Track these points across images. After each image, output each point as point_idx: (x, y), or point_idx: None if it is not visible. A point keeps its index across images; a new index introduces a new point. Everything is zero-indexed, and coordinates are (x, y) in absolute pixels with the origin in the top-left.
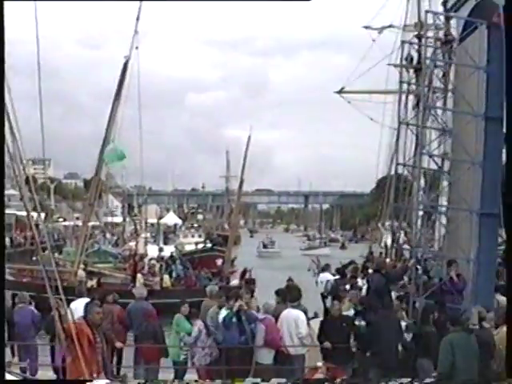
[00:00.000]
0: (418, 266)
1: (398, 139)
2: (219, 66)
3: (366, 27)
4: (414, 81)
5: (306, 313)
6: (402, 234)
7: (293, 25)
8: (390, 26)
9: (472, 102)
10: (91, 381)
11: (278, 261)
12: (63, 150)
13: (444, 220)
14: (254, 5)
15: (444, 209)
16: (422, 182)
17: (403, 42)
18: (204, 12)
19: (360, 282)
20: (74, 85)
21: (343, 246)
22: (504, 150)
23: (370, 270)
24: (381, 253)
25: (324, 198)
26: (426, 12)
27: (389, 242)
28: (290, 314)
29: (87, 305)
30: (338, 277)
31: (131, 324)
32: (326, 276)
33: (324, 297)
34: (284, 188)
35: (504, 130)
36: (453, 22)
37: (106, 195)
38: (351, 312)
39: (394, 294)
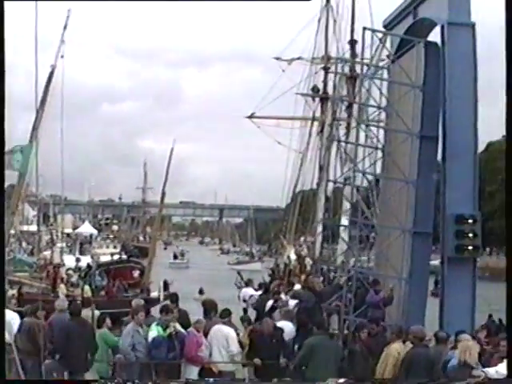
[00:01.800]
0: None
1: (328, 157)
2: (132, 75)
3: (277, 58)
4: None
5: (235, 329)
6: (305, 248)
7: (205, 37)
8: (299, 58)
9: (407, 120)
10: (91, 381)
11: (190, 272)
12: None
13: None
14: (167, 15)
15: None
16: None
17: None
18: (117, 20)
19: (284, 297)
20: None
21: (260, 260)
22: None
23: (297, 286)
24: (285, 264)
25: (239, 212)
26: (364, 29)
27: (292, 255)
28: (221, 330)
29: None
30: (260, 292)
31: (52, 337)
32: (249, 291)
33: (246, 312)
34: (199, 201)
35: (438, 150)
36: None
37: (22, 204)
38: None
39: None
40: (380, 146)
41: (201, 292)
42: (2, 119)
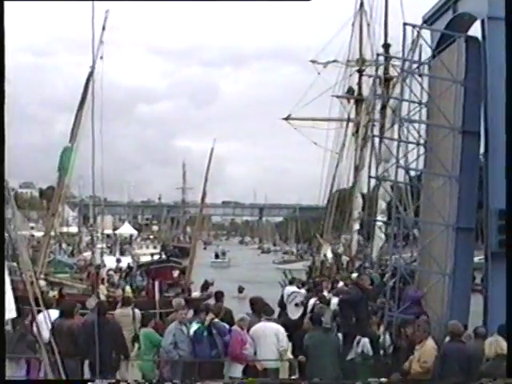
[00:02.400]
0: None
1: (371, 153)
2: (167, 75)
3: (313, 61)
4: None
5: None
6: (341, 247)
7: (241, 35)
8: (335, 61)
9: (448, 115)
10: (91, 381)
11: (231, 271)
12: (13, 159)
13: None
14: (201, 14)
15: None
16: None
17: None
18: (151, 20)
19: (327, 295)
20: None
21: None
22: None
23: (340, 284)
24: (322, 261)
25: (279, 211)
26: (405, 25)
27: (328, 253)
28: (269, 327)
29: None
30: (303, 290)
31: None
32: (292, 289)
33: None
34: (238, 200)
35: (481, 144)
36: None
37: (62, 205)
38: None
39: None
40: (422, 141)
41: (240, 290)
42: (2, 119)
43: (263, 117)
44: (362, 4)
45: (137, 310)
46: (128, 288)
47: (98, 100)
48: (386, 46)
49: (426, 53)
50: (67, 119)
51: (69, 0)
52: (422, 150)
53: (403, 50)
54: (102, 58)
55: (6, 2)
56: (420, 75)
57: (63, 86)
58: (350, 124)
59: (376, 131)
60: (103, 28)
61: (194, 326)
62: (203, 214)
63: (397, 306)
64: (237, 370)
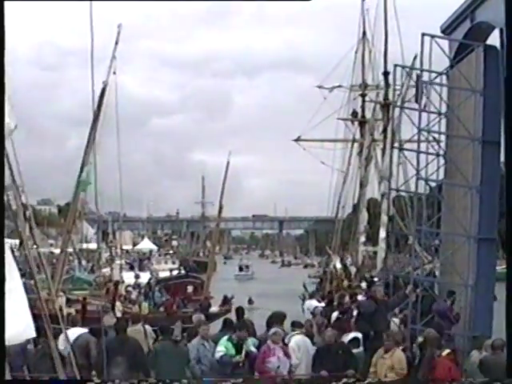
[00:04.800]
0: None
1: (390, 164)
2: (179, 87)
3: (319, 87)
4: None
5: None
6: (349, 258)
7: (252, 44)
8: (339, 86)
9: (468, 126)
10: (91, 381)
11: (253, 285)
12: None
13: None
14: (211, 25)
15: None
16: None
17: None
18: (162, 32)
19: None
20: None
21: None
22: (502, 174)
23: (360, 297)
24: (331, 272)
25: (299, 224)
26: (423, 35)
27: (337, 264)
28: (305, 341)
29: None
30: (323, 304)
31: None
32: (313, 303)
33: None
34: (257, 213)
35: (502, 154)
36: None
37: (81, 222)
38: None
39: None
40: (442, 152)
41: (250, 301)
42: (2, 119)
43: (278, 129)
44: (364, 33)
45: (148, 326)
46: (145, 304)
47: (113, 115)
48: (386, 74)
49: (445, 63)
50: (79, 134)
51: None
52: (442, 161)
53: (421, 61)
54: (115, 73)
55: (15, 20)
56: (440, 85)
57: (74, 100)
58: (355, 144)
59: (378, 151)
60: (116, 43)
61: (222, 345)
62: (223, 227)
63: (420, 318)
64: None
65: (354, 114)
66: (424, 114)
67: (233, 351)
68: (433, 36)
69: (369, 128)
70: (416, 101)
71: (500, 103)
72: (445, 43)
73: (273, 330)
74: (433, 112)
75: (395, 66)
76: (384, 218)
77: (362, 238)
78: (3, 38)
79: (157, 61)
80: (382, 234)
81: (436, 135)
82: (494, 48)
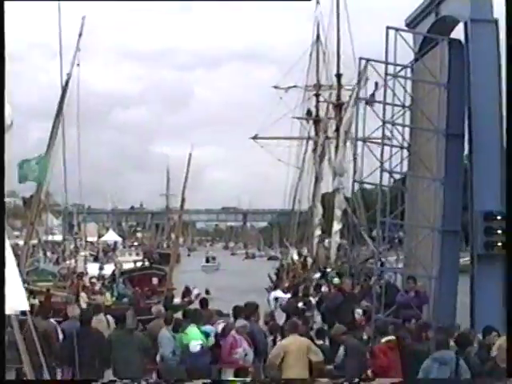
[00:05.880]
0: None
1: (355, 157)
2: (141, 79)
3: (275, 87)
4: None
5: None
6: (306, 250)
7: (212, 37)
8: (295, 86)
9: (432, 118)
10: (92, 381)
11: (219, 276)
12: None
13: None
14: (172, 17)
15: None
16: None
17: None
18: (123, 24)
19: (313, 300)
20: None
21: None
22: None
23: (323, 288)
24: (288, 263)
25: (262, 216)
26: (387, 28)
27: (294, 256)
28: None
29: None
30: (289, 295)
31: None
32: (278, 294)
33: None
34: (221, 206)
35: (465, 147)
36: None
37: (46, 214)
38: None
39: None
40: (406, 144)
41: (207, 293)
42: (3, 118)
43: (238, 123)
44: (318, 36)
45: (109, 317)
46: (108, 295)
47: (75, 107)
48: (338, 76)
49: (409, 56)
50: (41, 127)
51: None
52: (405, 153)
53: (386, 54)
54: (78, 64)
55: None
56: (404, 78)
57: (35, 92)
58: (310, 142)
59: (332, 148)
60: (80, 35)
61: (196, 338)
62: (187, 220)
63: (383, 309)
64: (228, 374)
65: (309, 113)
66: (388, 107)
67: (208, 343)
68: (397, 29)
69: (322, 126)
70: (372, 95)
71: (464, 96)
72: (409, 37)
73: (241, 323)
74: (397, 105)
75: (360, 59)
76: (337, 212)
77: (318, 231)
78: (3, 38)
79: (118, 53)
80: (336, 227)
81: (400, 128)
82: (458, 42)
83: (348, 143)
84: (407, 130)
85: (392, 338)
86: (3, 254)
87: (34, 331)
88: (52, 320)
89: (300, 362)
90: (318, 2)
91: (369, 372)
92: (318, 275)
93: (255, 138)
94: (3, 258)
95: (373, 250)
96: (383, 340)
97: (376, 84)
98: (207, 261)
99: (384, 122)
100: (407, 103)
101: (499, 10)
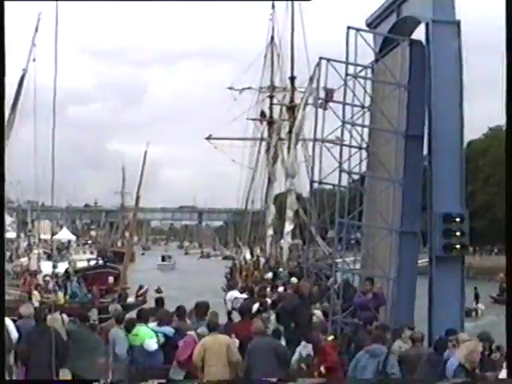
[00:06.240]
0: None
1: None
2: (97, 76)
3: (230, 88)
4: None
5: None
6: (258, 249)
7: (169, 34)
8: (249, 88)
9: (392, 119)
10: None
11: (175, 276)
12: None
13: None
14: (131, 14)
15: None
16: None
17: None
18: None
19: (269, 301)
20: None
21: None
22: (425, 168)
23: (280, 289)
24: (240, 263)
25: (218, 215)
26: (348, 28)
27: (247, 255)
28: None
29: None
30: (245, 295)
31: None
32: (234, 294)
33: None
34: (176, 205)
35: (424, 148)
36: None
37: None
38: None
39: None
40: (364, 145)
41: (158, 291)
42: (2, 117)
43: (194, 121)
44: (272, 37)
45: (64, 315)
46: (60, 294)
47: (30, 103)
48: (292, 78)
49: (370, 57)
50: None
51: None
52: (364, 154)
53: (347, 54)
54: (34, 60)
55: None
56: (364, 78)
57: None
58: (263, 143)
59: (285, 150)
60: (36, 30)
61: (151, 337)
62: (141, 218)
63: (341, 310)
64: (179, 375)
65: (263, 114)
66: (348, 108)
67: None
68: (358, 29)
69: (276, 128)
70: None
71: (423, 98)
72: (370, 37)
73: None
74: (357, 105)
75: (320, 58)
76: (289, 213)
77: (270, 231)
78: (3, 38)
79: (74, 49)
80: (288, 227)
81: (359, 128)
82: (419, 42)
83: (299, 145)
84: (366, 130)
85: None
86: (3, 254)
87: None
88: (6, 318)
89: (220, 361)
90: (273, 6)
91: (322, 368)
92: (270, 275)
93: (209, 138)
94: (3, 258)
95: (324, 251)
96: (329, 338)
97: (328, 90)
98: (163, 259)
99: (343, 123)
100: (367, 104)
101: (461, 12)
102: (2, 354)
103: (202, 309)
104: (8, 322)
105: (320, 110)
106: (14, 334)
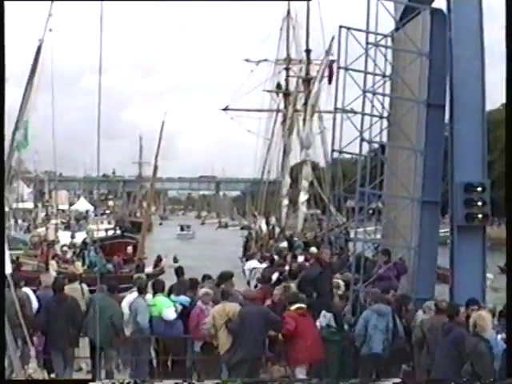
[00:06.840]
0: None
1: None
2: (112, 44)
3: (246, 60)
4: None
5: None
6: (274, 219)
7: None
8: (265, 60)
9: (413, 88)
10: (92, 381)
11: (194, 245)
12: None
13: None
14: None
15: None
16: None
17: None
18: None
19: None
20: None
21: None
22: (446, 137)
23: (300, 258)
24: (256, 232)
25: (235, 185)
26: None
27: (263, 225)
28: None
29: None
30: (265, 264)
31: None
32: (253, 264)
33: (249, 285)
34: (193, 174)
35: (446, 118)
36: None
37: (17, 181)
38: None
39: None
40: (385, 114)
41: (175, 260)
42: (3, 118)
43: (210, 90)
44: (288, 11)
45: (84, 285)
46: (79, 264)
47: (47, 73)
48: (308, 51)
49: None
50: (11, 92)
51: None
52: (385, 123)
53: (368, 22)
54: (51, 30)
55: None
56: (385, 47)
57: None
58: (279, 114)
59: (300, 121)
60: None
61: (172, 306)
62: (159, 188)
63: (363, 280)
64: (196, 347)
65: (279, 86)
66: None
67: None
68: None
69: (292, 100)
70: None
71: (445, 66)
72: (391, 5)
73: (203, 291)
74: (378, 74)
75: (340, 27)
76: (304, 183)
77: (285, 201)
78: (3, 38)
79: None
80: (302, 197)
81: (380, 97)
82: (440, 11)
83: (315, 117)
84: (387, 99)
85: (302, 305)
86: (3, 255)
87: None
88: (26, 288)
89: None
90: None
91: (279, 336)
92: (284, 244)
93: (226, 109)
94: (3, 258)
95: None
96: (292, 308)
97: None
98: (182, 229)
99: (364, 92)
100: (388, 73)
101: None
102: (3, 354)
103: (224, 278)
104: (29, 291)
105: (340, 79)
106: (35, 304)
